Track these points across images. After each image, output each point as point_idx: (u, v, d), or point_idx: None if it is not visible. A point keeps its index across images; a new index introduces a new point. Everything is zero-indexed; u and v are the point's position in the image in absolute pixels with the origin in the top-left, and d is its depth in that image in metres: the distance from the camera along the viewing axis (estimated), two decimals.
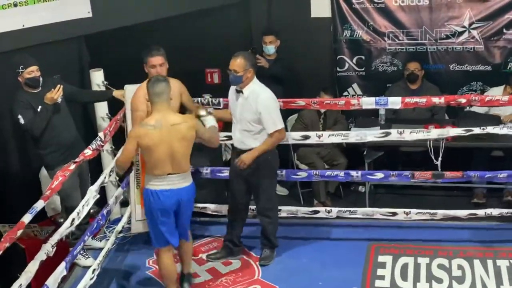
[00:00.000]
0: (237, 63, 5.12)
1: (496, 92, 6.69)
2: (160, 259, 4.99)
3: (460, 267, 5.40)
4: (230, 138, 5.64)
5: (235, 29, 7.48)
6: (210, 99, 5.90)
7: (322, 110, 6.80)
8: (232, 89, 5.37)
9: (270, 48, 6.92)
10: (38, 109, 5.26)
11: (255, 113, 5.16)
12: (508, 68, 7.15)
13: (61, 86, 5.31)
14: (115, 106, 5.89)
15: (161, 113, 4.69)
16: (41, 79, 5.32)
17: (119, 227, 5.95)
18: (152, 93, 4.69)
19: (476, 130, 5.53)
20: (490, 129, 5.54)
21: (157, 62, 5.25)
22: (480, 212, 5.86)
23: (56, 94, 5.26)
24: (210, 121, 5.24)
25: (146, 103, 5.03)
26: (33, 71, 5.25)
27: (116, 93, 5.76)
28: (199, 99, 5.87)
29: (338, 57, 7.54)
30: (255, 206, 5.61)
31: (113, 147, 6.08)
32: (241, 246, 5.76)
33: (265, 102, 5.17)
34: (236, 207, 5.59)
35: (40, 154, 5.48)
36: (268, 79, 6.41)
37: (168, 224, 4.84)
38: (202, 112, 5.30)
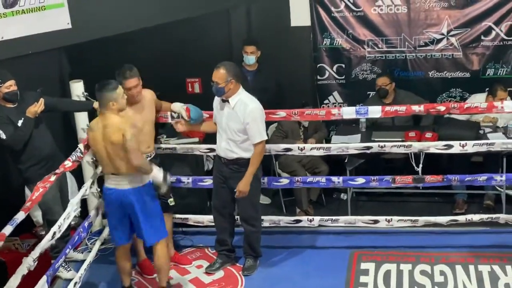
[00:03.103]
0: (219, 75, 5.13)
1: (478, 99, 6.72)
2: (115, 254, 5.23)
3: (442, 273, 5.44)
4: (211, 150, 5.66)
5: (215, 39, 7.48)
6: None
7: None
8: (217, 98, 5.37)
9: (251, 59, 6.93)
10: (18, 124, 5.23)
11: (242, 123, 5.17)
12: (486, 75, 7.22)
13: (43, 100, 5.33)
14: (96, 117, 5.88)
15: (100, 116, 4.91)
16: (18, 93, 5.30)
17: (100, 238, 5.92)
18: (97, 97, 4.93)
19: (456, 147, 5.60)
20: (470, 146, 5.60)
21: (132, 85, 5.23)
22: (461, 218, 5.91)
23: (39, 107, 5.28)
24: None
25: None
26: (11, 86, 5.24)
27: (97, 104, 5.74)
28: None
29: (318, 65, 7.58)
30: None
31: (94, 158, 6.04)
32: (235, 252, 5.79)
33: (254, 113, 5.18)
34: (222, 217, 5.59)
35: (20, 169, 5.43)
36: (251, 92, 6.45)
37: (114, 222, 5.05)
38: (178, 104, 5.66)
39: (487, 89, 6.85)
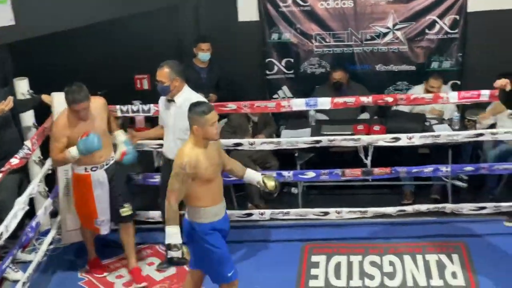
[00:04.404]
0: (163, 74, 5.10)
1: (417, 91, 6.88)
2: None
3: (391, 263, 5.53)
4: (161, 146, 5.62)
5: (164, 35, 7.42)
6: (140, 105, 5.85)
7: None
8: (162, 99, 5.33)
9: (206, 56, 6.93)
10: None
11: None
12: (431, 67, 7.36)
13: (12, 97, 5.28)
14: (42, 114, 5.80)
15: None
16: None
17: (49, 238, 5.82)
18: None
19: (404, 139, 5.72)
20: (417, 138, 5.73)
21: (82, 108, 5.06)
22: (409, 209, 6.02)
23: (6, 106, 5.22)
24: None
25: (66, 135, 5.05)
26: None
27: (45, 97, 5.67)
28: (129, 106, 5.80)
29: (267, 60, 7.60)
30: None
31: (41, 157, 5.95)
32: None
33: None
34: None
35: None
36: (206, 89, 6.43)
37: None
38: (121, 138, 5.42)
39: (424, 81, 6.97)
